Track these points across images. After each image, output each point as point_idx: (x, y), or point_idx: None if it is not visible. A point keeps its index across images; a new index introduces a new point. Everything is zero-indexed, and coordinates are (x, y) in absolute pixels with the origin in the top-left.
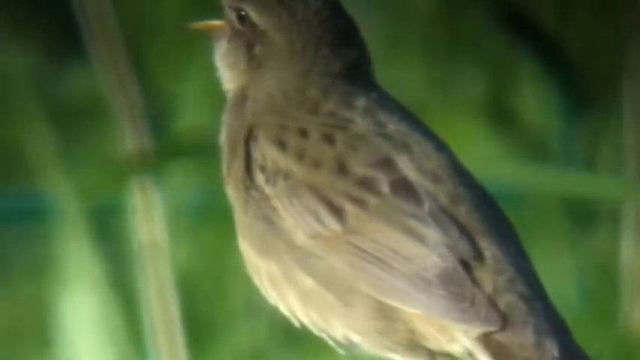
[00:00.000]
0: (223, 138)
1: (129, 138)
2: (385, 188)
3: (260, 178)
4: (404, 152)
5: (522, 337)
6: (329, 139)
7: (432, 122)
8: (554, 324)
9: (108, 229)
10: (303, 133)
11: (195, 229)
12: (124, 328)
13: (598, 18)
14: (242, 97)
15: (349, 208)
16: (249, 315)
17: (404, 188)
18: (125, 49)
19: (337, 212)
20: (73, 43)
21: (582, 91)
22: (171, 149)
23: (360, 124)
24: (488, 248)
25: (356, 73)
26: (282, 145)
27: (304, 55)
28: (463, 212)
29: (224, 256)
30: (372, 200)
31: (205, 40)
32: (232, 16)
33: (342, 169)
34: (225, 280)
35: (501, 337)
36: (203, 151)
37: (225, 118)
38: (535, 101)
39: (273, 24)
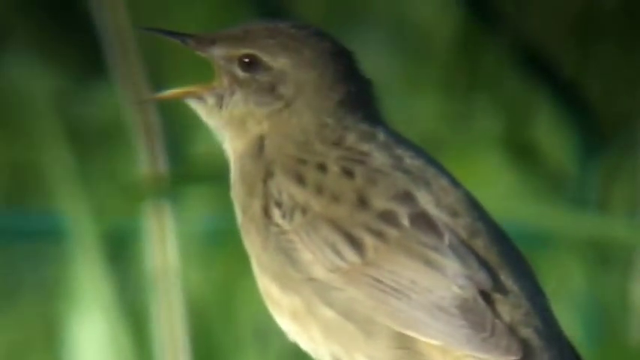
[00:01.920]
0: (236, 190)
1: (145, 161)
2: (405, 221)
3: (276, 213)
4: (422, 186)
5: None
6: (348, 173)
7: (449, 159)
8: (567, 356)
9: (121, 252)
10: (322, 167)
11: (207, 254)
12: (133, 352)
13: (617, 59)
14: (258, 145)
15: (369, 240)
16: (259, 341)
17: (423, 221)
18: (145, 72)
19: (356, 245)
20: (94, 65)
21: (599, 131)
22: (187, 174)
23: (379, 157)
24: (506, 281)
25: (368, 107)
26: (300, 180)
27: (334, 88)
28: (481, 246)
29: (235, 283)
30: (392, 233)
31: None
32: (232, 67)
33: (362, 203)
34: (236, 306)
35: None
36: (218, 177)
37: (237, 174)
38: (552, 140)
39: (295, 62)
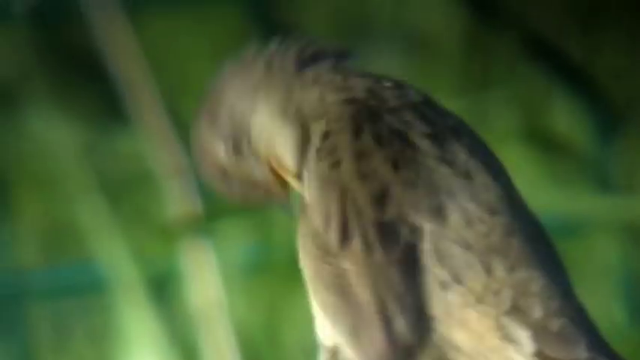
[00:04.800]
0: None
1: (177, 200)
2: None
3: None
4: (463, 182)
5: (575, 354)
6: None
7: None
8: (603, 346)
9: (164, 293)
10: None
11: (250, 285)
12: None
13: (626, 42)
14: None
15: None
16: None
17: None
18: (167, 112)
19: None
20: (116, 110)
21: (614, 114)
22: (221, 209)
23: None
24: (539, 278)
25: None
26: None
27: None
28: (515, 245)
29: (280, 310)
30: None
31: None
32: (251, 160)
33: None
34: (283, 333)
35: (555, 354)
36: (252, 208)
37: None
38: (570, 127)
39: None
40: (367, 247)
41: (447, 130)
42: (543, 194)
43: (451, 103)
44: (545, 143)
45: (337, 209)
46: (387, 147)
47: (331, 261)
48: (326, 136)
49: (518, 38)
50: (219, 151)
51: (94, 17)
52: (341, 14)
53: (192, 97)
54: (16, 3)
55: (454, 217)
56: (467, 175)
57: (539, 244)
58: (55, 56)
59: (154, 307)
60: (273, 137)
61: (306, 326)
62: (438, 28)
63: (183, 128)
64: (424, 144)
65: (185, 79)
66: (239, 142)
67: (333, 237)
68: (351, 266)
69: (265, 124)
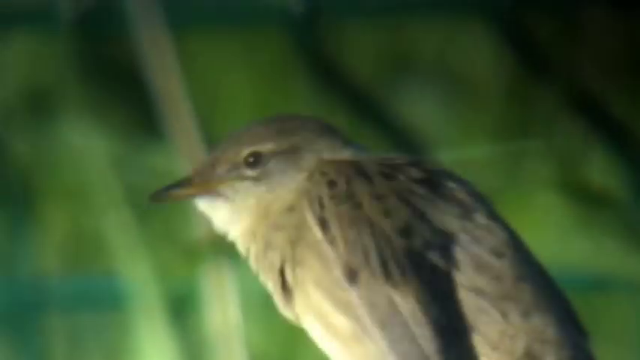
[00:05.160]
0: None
1: (203, 221)
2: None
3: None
4: (468, 225)
5: None
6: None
7: (503, 204)
8: None
9: (183, 312)
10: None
11: (268, 310)
12: None
13: None
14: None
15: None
16: None
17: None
18: (199, 129)
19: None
20: (148, 128)
21: None
22: None
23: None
24: (553, 325)
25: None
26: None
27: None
28: (528, 289)
29: (297, 337)
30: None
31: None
32: (241, 172)
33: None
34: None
35: None
36: None
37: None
38: (606, 182)
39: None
40: (403, 275)
41: (442, 173)
42: (574, 246)
43: (488, 149)
44: (579, 196)
45: (371, 242)
46: (397, 189)
47: (380, 290)
48: (333, 184)
49: (562, 90)
50: None
51: (138, 32)
52: (386, 49)
53: (226, 118)
54: (64, 11)
55: (463, 260)
56: (469, 217)
57: (549, 291)
58: (95, 67)
59: (172, 327)
60: None
61: (323, 355)
62: (482, 72)
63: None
64: (420, 188)
65: (221, 101)
66: None
67: (375, 268)
68: (394, 294)
69: None
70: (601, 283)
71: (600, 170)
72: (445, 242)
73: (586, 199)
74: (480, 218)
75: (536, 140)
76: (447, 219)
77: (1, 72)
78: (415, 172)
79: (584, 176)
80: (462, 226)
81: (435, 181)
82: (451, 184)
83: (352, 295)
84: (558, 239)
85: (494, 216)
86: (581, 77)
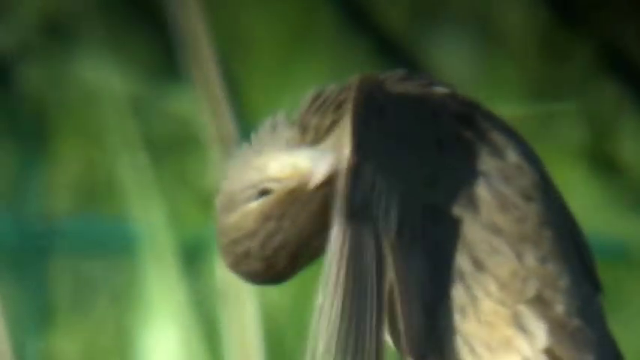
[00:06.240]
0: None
1: (218, 169)
2: None
3: None
4: (498, 163)
5: (584, 356)
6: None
7: None
8: (612, 347)
9: (194, 260)
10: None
11: None
12: None
13: None
14: None
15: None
16: None
17: None
18: (221, 76)
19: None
20: (169, 68)
21: None
22: None
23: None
24: (568, 274)
25: None
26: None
27: None
28: (549, 236)
29: (308, 289)
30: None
31: (303, 67)
32: None
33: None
34: (309, 312)
35: (563, 355)
36: None
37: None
38: (636, 153)
39: None
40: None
41: (478, 110)
42: (598, 215)
43: (516, 109)
44: (607, 165)
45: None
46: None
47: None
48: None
49: (595, 47)
50: None
51: None
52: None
53: (250, 67)
54: None
55: (486, 198)
56: (501, 155)
57: (572, 241)
58: (117, 3)
59: (182, 275)
60: None
61: None
62: (514, 25)
63: (236, 96)
64: (457, 123)
65: (246, 47)
66: None
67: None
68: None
69: None
70: (623, 252)
71: (630, 142)
72: (471, 185)
73: (612, 170)
74: (512, 156)
75: (566, 104)
76: (478, 159)
77: (16, 3)
78: (457, 105)
79: (612, 147)
80: (494, 165)
81: (469, 115)
82: (484, 118)
83: None
84: (581, 206)
85: (527, 154)
86: (619, 37)
